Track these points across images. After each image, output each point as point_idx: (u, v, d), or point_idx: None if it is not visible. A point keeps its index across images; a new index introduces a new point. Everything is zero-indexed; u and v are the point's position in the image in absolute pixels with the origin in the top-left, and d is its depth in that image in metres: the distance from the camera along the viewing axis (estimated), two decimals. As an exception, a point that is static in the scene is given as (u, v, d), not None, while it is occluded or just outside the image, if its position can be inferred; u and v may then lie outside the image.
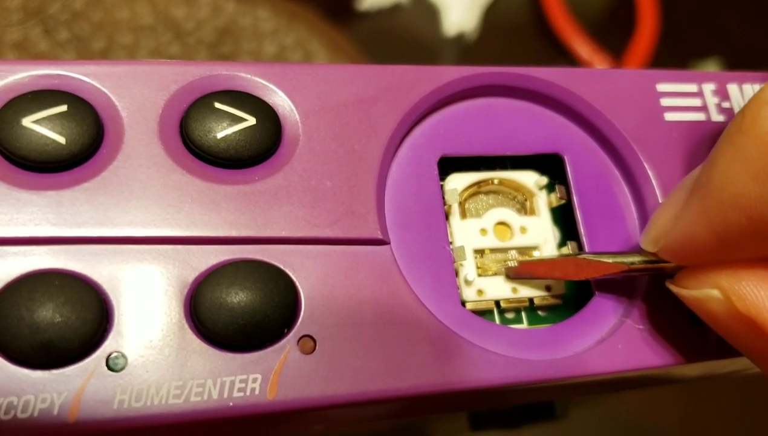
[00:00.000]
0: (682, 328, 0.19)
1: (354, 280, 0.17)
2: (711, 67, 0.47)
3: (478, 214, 0.20)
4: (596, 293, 0.19)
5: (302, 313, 0.17)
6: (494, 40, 0.47)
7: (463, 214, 0.20)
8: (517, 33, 0.48)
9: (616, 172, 0.20)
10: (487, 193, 0.20)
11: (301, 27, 0.41)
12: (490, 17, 0.47)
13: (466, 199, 0.20)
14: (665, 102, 0.21)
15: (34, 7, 0.38)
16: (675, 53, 0.47)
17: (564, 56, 0.46)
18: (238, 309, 0.16)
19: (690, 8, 0.49)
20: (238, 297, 0.16)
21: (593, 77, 0.21)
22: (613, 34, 0.47)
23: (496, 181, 0.20)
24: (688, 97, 0.21)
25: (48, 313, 0.15)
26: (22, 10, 0.37)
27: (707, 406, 0.38)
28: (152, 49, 0.39)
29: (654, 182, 0.20)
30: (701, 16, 0.49)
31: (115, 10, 0.39)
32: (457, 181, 0.20)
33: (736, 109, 0.21)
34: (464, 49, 0.46)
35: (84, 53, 0.37)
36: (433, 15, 0.46)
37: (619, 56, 0.45)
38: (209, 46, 0.40)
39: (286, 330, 0.16)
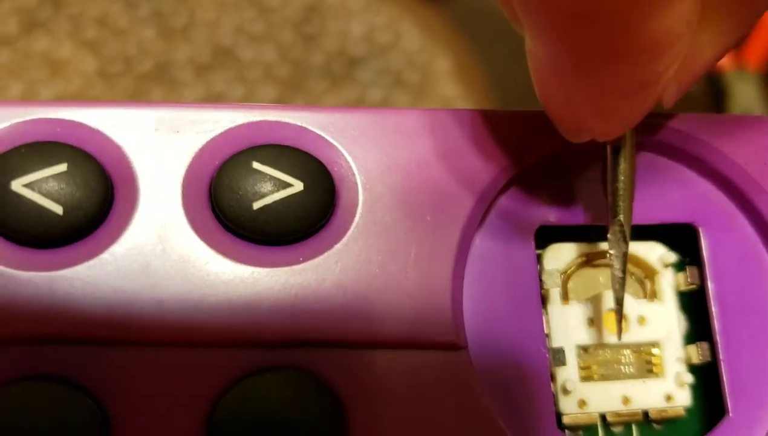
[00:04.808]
0: None
1: (421, 397, 0.13)
2: None
3: (584, 297, 0.16)
4: (731, 411, 0.15)
5: (351, 440, 0.13)
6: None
7: (565, 298, 0.16)
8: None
9: (766, 254, 0.16)
10: (596, 267, 0.16)
11: (392, 5, 0.39)
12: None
13: (569, 277, 0.16)
14: (836, 160, 0.16)
15: (116, -19, 0.36)
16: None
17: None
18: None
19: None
20: (270, 420, 0.13)
21: (738, 125, 0.16)
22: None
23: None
24: None
25: (34, 430, 0.12)
26: (104, -16, 0.35)
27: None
28: (235, 27, 0.37)
29: (816, 267, 0.15)
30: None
31: (198, -15, 0.37)
32: (559, 257, 0.16)
33: None
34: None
35: (164, 30, 0.36)
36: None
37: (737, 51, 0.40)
38: (295, 24, 0.37)
39: (329, 461, 0.13)
